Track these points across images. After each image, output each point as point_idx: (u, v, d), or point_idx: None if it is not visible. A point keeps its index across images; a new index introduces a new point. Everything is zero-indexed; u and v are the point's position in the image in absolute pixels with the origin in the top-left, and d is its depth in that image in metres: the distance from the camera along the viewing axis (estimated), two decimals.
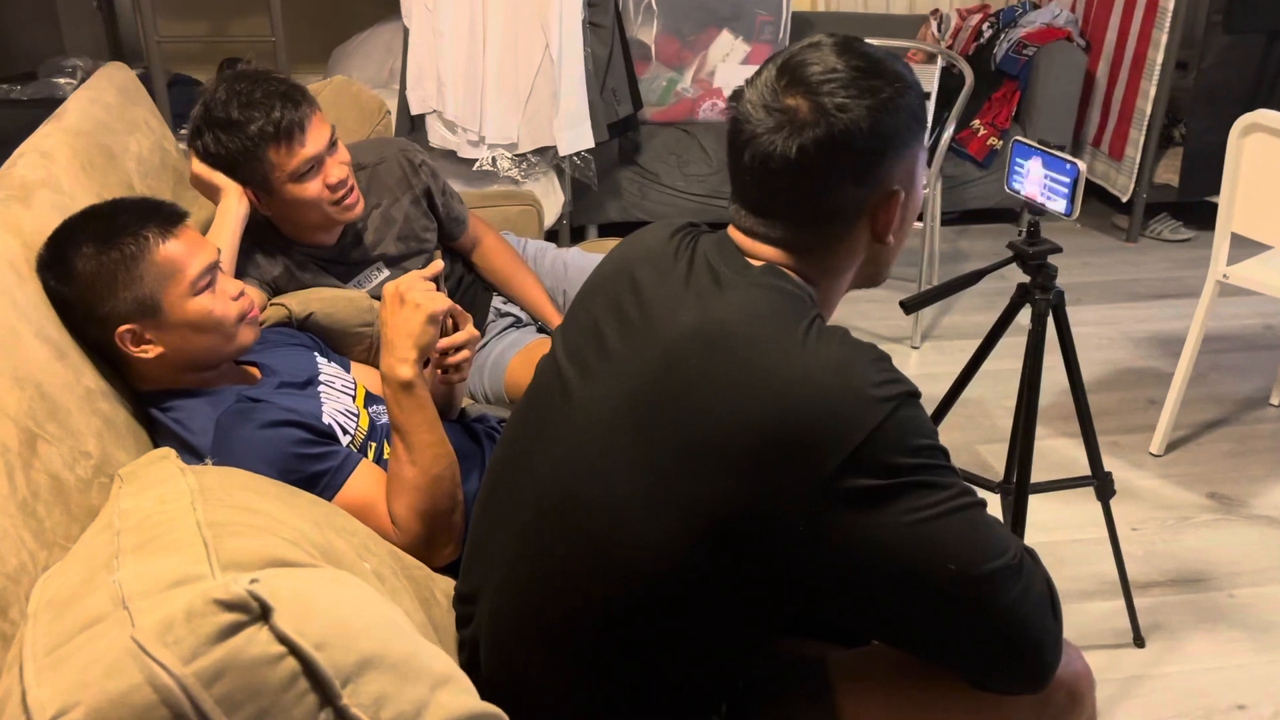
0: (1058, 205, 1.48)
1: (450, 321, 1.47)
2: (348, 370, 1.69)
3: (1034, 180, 1.50)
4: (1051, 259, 1.57)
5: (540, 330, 2.11)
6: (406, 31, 3.21)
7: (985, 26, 3.98)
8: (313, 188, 1.69)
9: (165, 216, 1.38)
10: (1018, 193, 1.54)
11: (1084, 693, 1.10)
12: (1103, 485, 1.76)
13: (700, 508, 0.97)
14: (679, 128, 3.68)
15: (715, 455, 0.96)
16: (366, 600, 0.69)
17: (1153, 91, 3.63)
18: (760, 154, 1.04)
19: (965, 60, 3.13)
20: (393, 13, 3.77)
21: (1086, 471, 1.79)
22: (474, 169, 3.20)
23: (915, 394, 0.98)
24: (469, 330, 1.49)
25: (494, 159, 3.22)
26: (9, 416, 1.10)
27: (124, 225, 1.35)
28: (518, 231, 2.36)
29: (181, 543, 0.87)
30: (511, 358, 2.00)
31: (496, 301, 2.12)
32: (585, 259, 2.20)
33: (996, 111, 3.78)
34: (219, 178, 1.68)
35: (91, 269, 1.33)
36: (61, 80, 3.31)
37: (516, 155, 3.24)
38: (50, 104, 3.30)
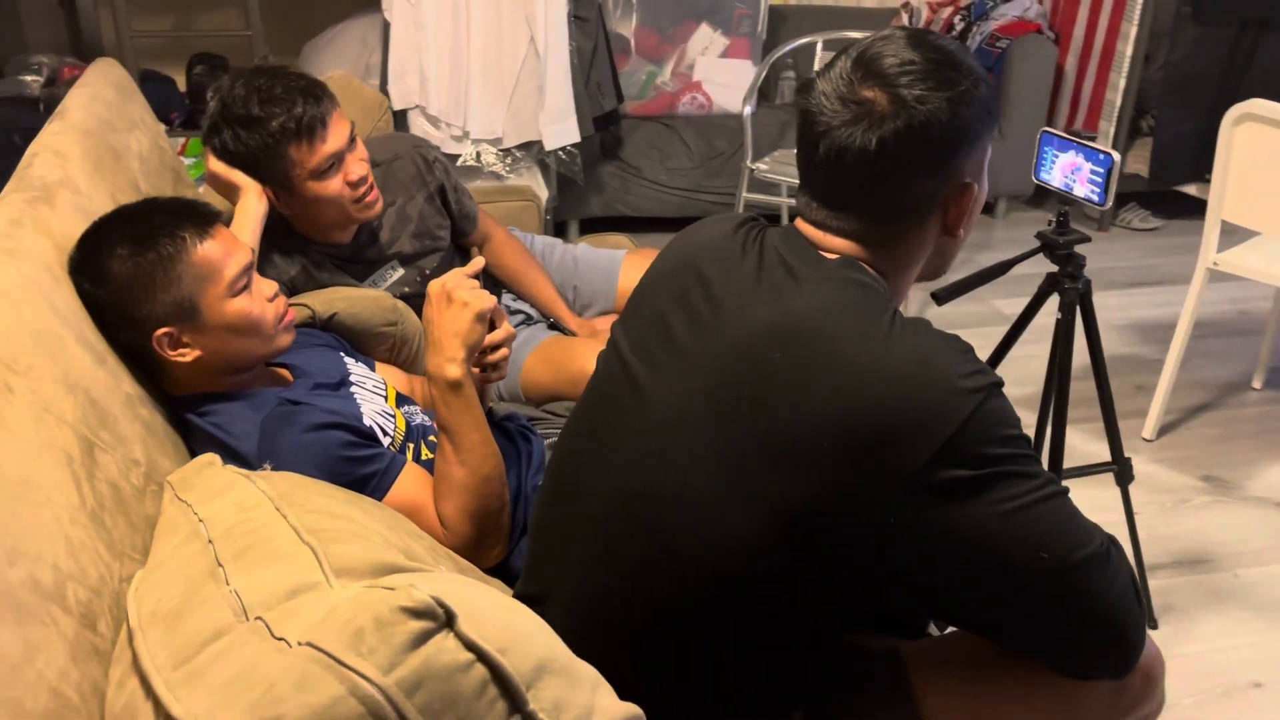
0: (1091, 194, 1.50)
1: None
2: (373, 370, 1.66)
3: (1064, 170, 1.52)
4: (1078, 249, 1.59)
5: (552, 327, 2.09)
6: (387, 25, 3.17)
7: (957, 20, 4.02)
8: (333, 185, 1.66)
9: (201, 217, 1.35)
10: (1046, 183, 1.56)
11: (1157, 677, 1.12)
12: (1123, 470, 1.79)
13: (782, 502, 0.97)
14: (659, 121, 3.67)
15: (799, 449, 0.96)
16: (513, 604, 0.68)
17: (1122, 83, 3.69)
18: (836, 147, 1.03)
19: None
20: (367, 6, 3.72)
21: (1092, 459, 1.82)
22: (458, 164, 3.17)
23: (1001, 384, 0.99)
24: (507, 328, 1.47)
25: (478, 154, 3.19)
26: (68, 424, 1.06)
27: (160, 226, 1.31)
28: (520, 227, 2.34)
29: (285, 551, 0.85)
30: (526, 356, 1.98)
31: (506, 298, 2.10)
32: (594, 254, 2.19)
33: None
34: (238, 175, 1.65)
35: (128, 271, 1.29)
36: (28, 78, 3.21)
37: (501, 150, 3.21)
38: (19, 102, 3.22)
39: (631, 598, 1.07)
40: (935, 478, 0.93)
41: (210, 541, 0.89)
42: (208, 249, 1.33)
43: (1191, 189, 3.87)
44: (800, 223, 1.11)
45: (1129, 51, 3.64)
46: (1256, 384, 2.83)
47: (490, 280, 2.09)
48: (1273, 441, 2.59)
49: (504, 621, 0.62)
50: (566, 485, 1.17)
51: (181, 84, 3.54)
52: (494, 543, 1.38)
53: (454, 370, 1.34)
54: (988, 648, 1.11)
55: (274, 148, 1.61)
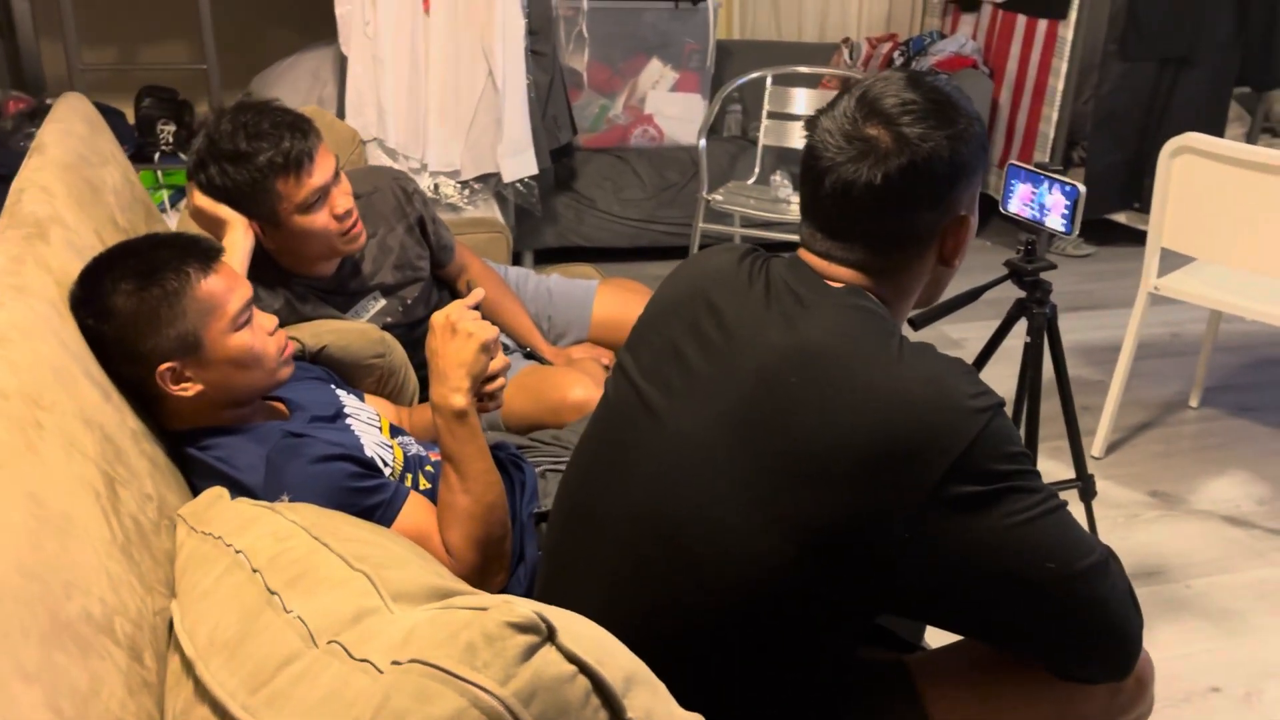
0: (1056, 224, 1.59)
1: None
2: (363, 401, 1.67)
3: (1028, 201, 1.60)
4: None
5: (528, 356, 2.12)
6: (341, 58, 3.19)
7: (896, 55, 4.16)
8: (320, 219, 1.68)
9: (204, 252, 1.35)
10: (1013, 214, 1.64)
11: (1148, 680, 1.18)
12: (1086, 487, 1.88)
13: (804, 522, 1.01)
14: (612, 153, 3.73)
15: (819, 470, 1.00)
16: (588, 620, 0.71)
17: (1054, 116, 3.85)
18: (842, 181, 1.09)
19: None
20: (317, 39, 3.73)
21: (1048, 476, 1.89)
22: None
23: (1003, 404, 1.04)
24: (503, 358, 1.49)
25: (436, 185, 3.21)
26: (91, 460, 1.06)
27: (165, 261, 1.32)
28: (489, 258, 2.36)
29: (339, 578, 0.86)
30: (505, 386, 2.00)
31: None
32: (568, 285, 2.22)
33: None
34: (224, 210, 1.65)
35: (132, 306, 1.29)
36: None
37: (460, 182, 3.23)
38: None
39: (655, 619, 1.09)
40: (948, 493, 0.98)
41: (256, 571, 0.91)
42: (211, 284, 1.33)
43: (1121, 216, 4.05)
44: (804, 253, 1.16)
45: (1060, 86, 3.80)
46: (1193, 402, 2.96)
47: None
48: (1211, 457, 2.71)
49: (593, 635, 0.65)
50: (582, 510, 1.20)
51: (130, 116, 3.50)
52: (497, 569, 1.40)
53: (459, 400, 1.36)
54: (989, 655, 1.17)
55: (261, 182, 1.62)
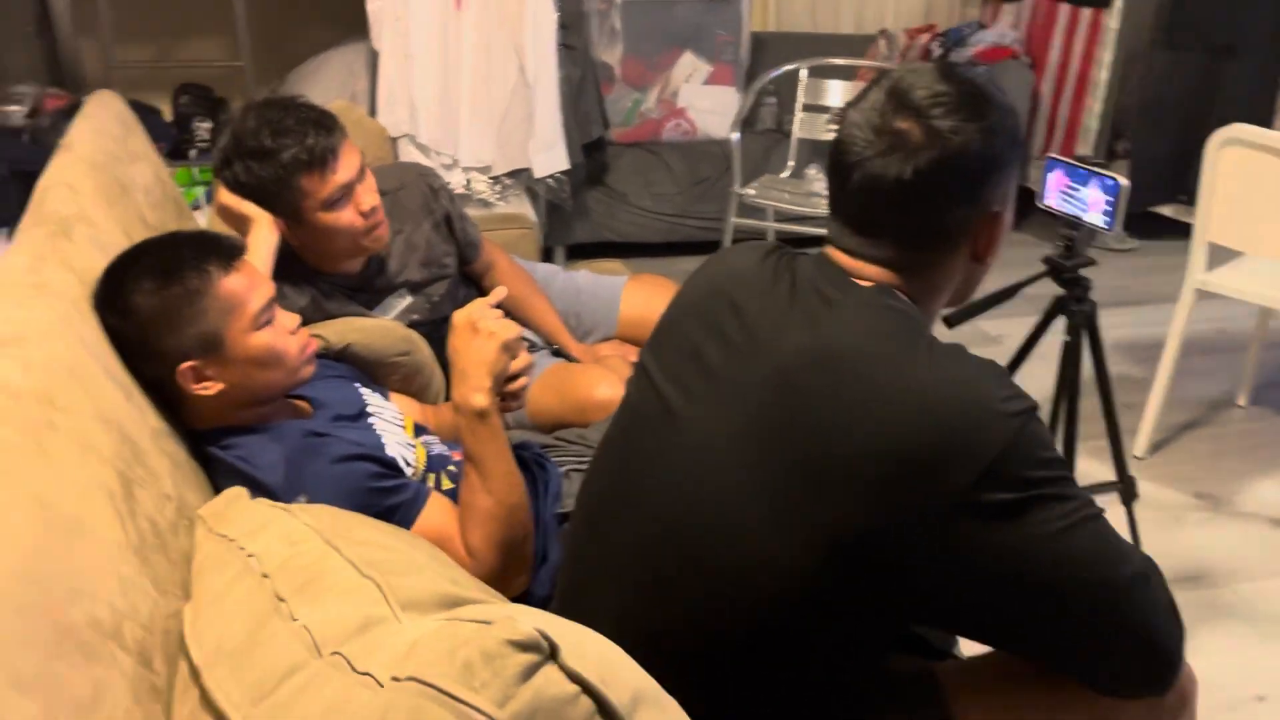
0: (1096, 220, 1.54)
1: None
2: (387, 399, 1.66)
3: (1067, 195, 1.55)
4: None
5: (555, 354, 2.10)
6: (374, 54, 3.18)
7: (935, 45, 4.09)
8: (345, 216, 1.67)
9: (225, 250, 1.34)
10: (1051, 208, 1.59)
11: (1190, 695, 1.14)
12: (1127, 488, 1.82)
13: (826, 527, 0.98)
14: (645, 148, 3.70)
15: (842, 474, 0.97)
16: (596, 635, 0.68)
17: (1098, 108, 3.78)
18: (871, 175, 1.05)
19: None
20: (350, 35, 3.73)
21: (1087, 477, 1.85)
22: None
23: (1037, 407, 1.00)
24: (526, 357, 1.47)
25: (469, 181, 3.20)
26: (107, 460, 1.05)
27: (186, 259, 1.31)
28: (518, 254, 2.34)
29: (347, 585, 0.85)
30: (532, 384, 1.98)
31: None
32: (596, 281, 2.20)
33: None
34: (249, 207, 1.64)
35: (154, 304, 1.29)
36: (11, 109, 3.19)
37: (491, 177, 3.22)
38: (3, 133, 3.18)
39: (676, 626, 1.07)
40: (978, 501, 0.95)
41: (266, 576, 0.89)
42: (233, 282, 1.32)
43: (1167, 209, 3.95)
44: (831, 250, 1.13)
45: (1104, 77, 3.72)
46: (1241, 401, 2.89)
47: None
48: (1260, 457, 2.64)
49: (598, 653, 0.62)
50: (602, 515, 1.18)
51: (167, 114, 3.52)
52: (519, 571, 1.38)
53: (481, 400, 1.34)
54: (1022, 667, 1.13)
55: (286, 179, 1.61)
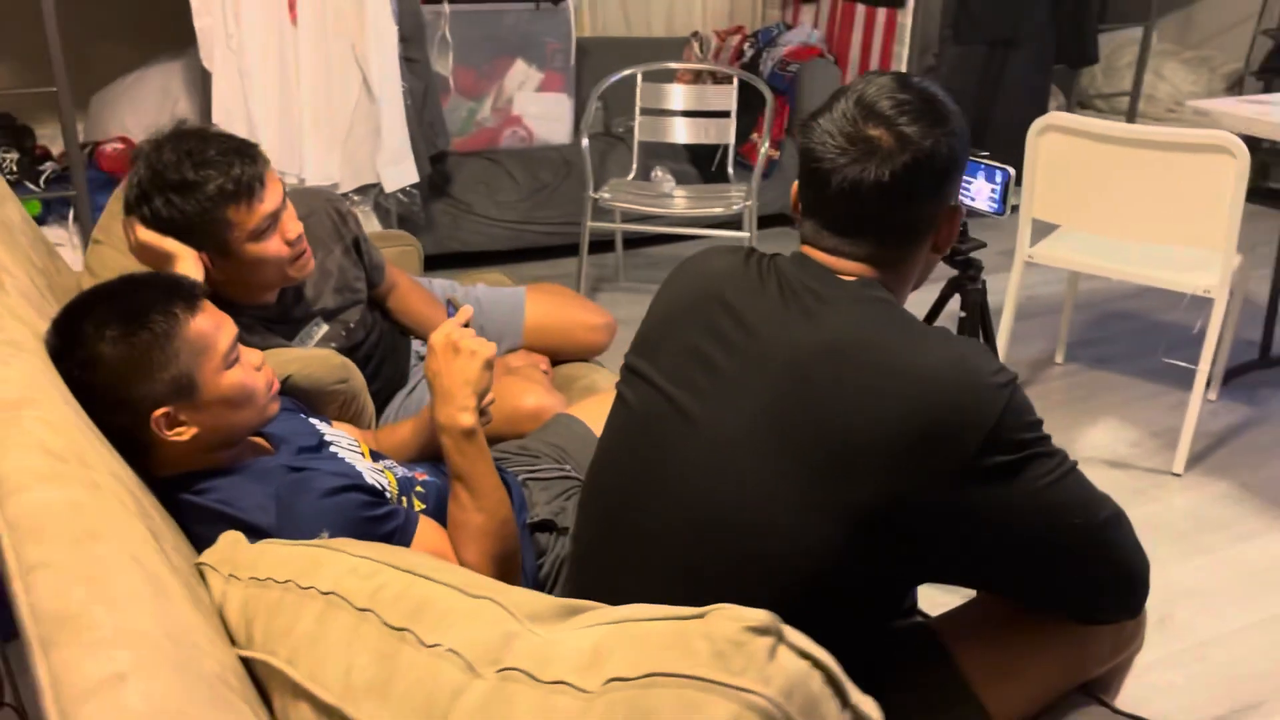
0: (986, 206, 1.71)
1: None
2: (332, 427, 1.64)
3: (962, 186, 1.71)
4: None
5: None
6: (195, 73, 3.06)
7: (746, 46, 4.30)
8: (272, 245, 1.63)
9: (186, 291, 1.30)
10: None
11: (1143, 618, 1.31)
12: None
13: (849, 507, 1.07)
14: (484, 156, 3.71)
15: (862, 456, 1.07)
16: None
17: None
18: (850, 180, 1.15)
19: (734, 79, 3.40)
20: (160, 55, 3.55)
21: None
22: None
23: (1018, 377, 1.14)
24: (491, 374, 1.50)
25: None
26: (135, 516, 1.02)
27: (149, 303, 1.26)
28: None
29: (465, 608, 0.87)
30: None
31: (416, 344, 2.11)
32: (496, 293, 2.22)
33: (771, 125, 4.10)
34: (170, 243, 1.58)
35: (122, 352, 1.23)
36: None
37: (339, 195, 3.15)
38: None
39: None
40: (983, 465, 1.07)
41: (366, 610, 0.90)
42: (200, 323, 1.29)
43: None
44: (809, 250, 1.22)
45: (901, 70, 4.02)
46: (1058, 359, 3.21)
47: (397, 328, 2.09)
48: (1081, 409, 2.95)
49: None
50: (620, 521, 1.22)
51: None
52: (512, 582, 1.41)
53: (467, 419, 1.36)
54: (1003, 609, 1.27)
55: (212, 211, 1.56)
